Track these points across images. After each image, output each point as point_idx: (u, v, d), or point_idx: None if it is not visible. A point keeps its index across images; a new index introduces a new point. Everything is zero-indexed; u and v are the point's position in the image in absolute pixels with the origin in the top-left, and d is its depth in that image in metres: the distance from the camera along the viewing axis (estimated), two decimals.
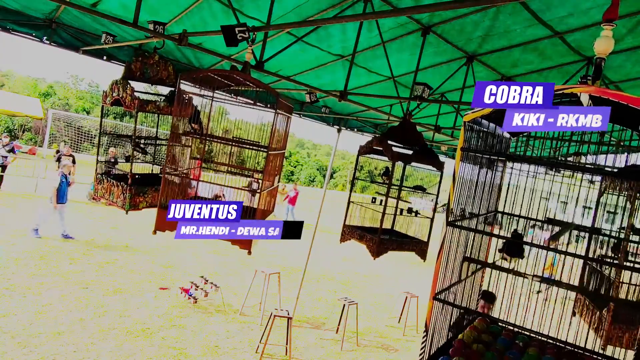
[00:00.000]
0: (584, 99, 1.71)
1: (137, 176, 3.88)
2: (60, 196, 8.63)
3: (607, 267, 2.89)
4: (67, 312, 5.69)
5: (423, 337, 2.03)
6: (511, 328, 2.30)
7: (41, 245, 8.12)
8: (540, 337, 2.19)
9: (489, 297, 3.91)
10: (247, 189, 3.57)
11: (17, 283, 6.22)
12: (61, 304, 5.89)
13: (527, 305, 2.01)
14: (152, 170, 4.44)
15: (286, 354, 5.59)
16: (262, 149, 3.35)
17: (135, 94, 3.67)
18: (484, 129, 2.07)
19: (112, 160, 4.91)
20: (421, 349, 2.03)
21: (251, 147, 3.49)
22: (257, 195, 3.33)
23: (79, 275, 7.02)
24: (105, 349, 4.97)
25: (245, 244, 3.12)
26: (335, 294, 8.61)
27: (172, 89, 3.92)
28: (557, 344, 2.05)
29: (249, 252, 3.19)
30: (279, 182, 4.00)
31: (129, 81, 3.76)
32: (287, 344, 5.60)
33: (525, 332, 2.24)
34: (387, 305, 8.62)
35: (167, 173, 3.32)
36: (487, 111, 1.84)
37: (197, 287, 6.79)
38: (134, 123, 3.82)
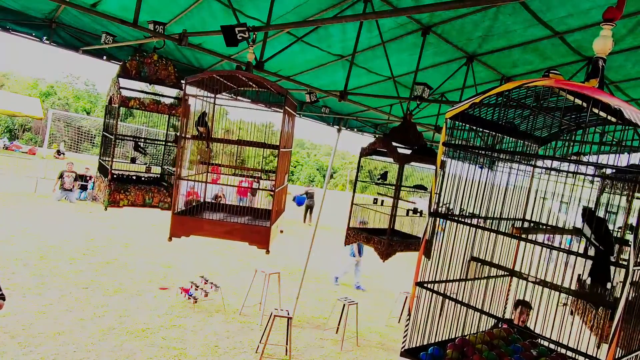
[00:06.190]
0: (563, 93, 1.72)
1: (114, 174, 3.83)
2: None
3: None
4: (67, 312, 5.70)
5: (406, 324, 2.03)
6: (536, 342, 2.21)
7: (41, 245, 8.13)
8: (563, 354, 2.06)
9: (517, 304, 3.80)
10: (266, 189, 3.53)
11: (17, 283, 6.22)
12: (61, 304, 5.90)
13: (549, 315, 1.96)
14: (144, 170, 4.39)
15: (286, 354, 5.59)
16: (273, 148, 3.36)
17: (120, 90, 3.66)
18: (465, 125, 2.05)
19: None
20: (404, 335, 2.03)
21: (262, 146, 3.48)
22: (257, 195, 3.32)
23: (79, 275, 7.03)
24: (105, 349, 4.97)
25: (263, 243, 3.14)
26: (335, 294, 8.61)
27: (179, 90, 3.89)
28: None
29: (267, 252, 3.23)
30: (287, 181, 4.00)
31: (123, 79, 3.75)
32: (287, 344, 5.60)
33: (545, 345, 2.14)
34: (387, 305, 8.62)
35: (180, 178, 3.28)
36: (466, 106, 1.86)
37: (197, 287, 6.80)
38: (119, 121, 3.77)
